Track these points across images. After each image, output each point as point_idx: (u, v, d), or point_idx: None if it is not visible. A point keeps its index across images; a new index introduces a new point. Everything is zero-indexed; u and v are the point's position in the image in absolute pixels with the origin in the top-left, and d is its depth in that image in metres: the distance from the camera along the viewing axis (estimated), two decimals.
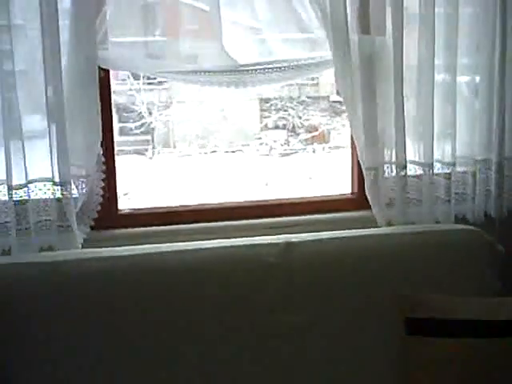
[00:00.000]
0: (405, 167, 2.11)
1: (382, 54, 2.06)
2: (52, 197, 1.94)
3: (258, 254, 1.89)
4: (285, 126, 6.29)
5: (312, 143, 5.88)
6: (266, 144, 6.08)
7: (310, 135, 5.90)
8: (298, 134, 5.99)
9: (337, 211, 2.24)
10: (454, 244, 1.99)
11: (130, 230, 2.14)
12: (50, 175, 1.93)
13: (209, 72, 2.06)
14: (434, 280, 1.91)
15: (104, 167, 2.05)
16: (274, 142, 6.02)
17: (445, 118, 2.12)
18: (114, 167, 2.15)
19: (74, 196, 1.96)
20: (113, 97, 2.12)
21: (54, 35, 1.82)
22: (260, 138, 6.00)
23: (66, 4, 1.86)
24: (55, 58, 1.84)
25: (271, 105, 6.00)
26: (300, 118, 6.10)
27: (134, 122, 5.90)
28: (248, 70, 2.07)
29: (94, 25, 1.90)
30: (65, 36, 1.87)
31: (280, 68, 2.10)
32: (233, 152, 5.97)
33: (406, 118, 2.06)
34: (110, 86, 2.11)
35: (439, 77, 2.09)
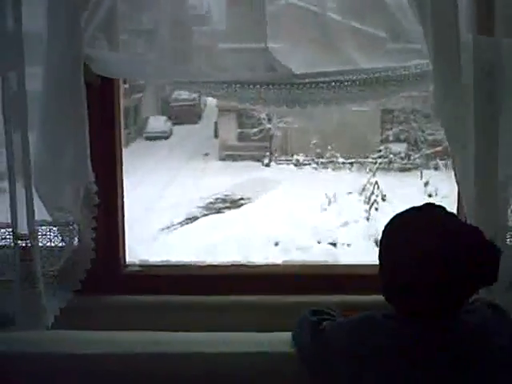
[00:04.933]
0: None
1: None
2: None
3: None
4: (406, 139, 5.65)
5: (434, 158, 5.20)
6: (385, 157, 5.48)
7: (432, 150, 5.24)
8: (420, 149, 5.34)
9: None
10: None
11: (132, 297, 1.60)
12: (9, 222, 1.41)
13: (249, 84, 1.45)
14: None
15: (96, 211, 1.50)
16: (394, 155, 5.42)
17: None
18: (119, 208, 1.63)
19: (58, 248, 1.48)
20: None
21: None
22: (380, 151, 5.42)
23: None
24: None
25: (393, 116, 5.40)
26: (423, 131, 5.43)
27: (253, 127, 5.52)
28: (306, 84, 1.45)
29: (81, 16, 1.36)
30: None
31: (354, 82, 1.49)
32: (350, 164, 5.45)
33: None
34: (115, 98, 1.55)
35: None
